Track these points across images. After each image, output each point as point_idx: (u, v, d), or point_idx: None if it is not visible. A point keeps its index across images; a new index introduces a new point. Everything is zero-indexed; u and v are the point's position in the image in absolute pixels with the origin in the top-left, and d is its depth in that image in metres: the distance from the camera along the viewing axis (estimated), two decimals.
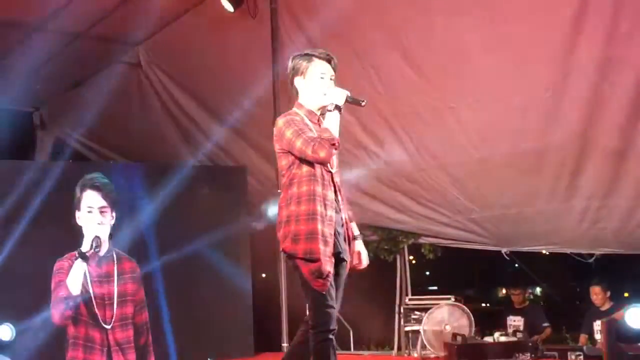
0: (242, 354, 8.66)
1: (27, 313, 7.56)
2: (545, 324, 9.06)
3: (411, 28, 7.83)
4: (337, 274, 4.41)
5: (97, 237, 7.34)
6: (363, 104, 4.48)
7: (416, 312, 8.68)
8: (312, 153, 4.21)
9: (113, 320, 6.64)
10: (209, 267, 8.78)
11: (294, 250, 4.27)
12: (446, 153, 8.42)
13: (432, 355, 8.04)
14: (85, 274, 6.78)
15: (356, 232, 4.64)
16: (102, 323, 6.16)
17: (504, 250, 9.46)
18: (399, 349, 9.49)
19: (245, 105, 9.66)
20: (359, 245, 4.62)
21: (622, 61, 6.74)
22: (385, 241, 10.04)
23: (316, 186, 4.29)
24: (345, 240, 4.50)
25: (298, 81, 4.55)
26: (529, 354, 7.27)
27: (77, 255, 7.34)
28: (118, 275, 7.10)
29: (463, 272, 16.78)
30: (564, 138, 7.52)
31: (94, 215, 7.91)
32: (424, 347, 8.18)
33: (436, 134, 8.34)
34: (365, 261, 4.64)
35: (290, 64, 4.60)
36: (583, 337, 8.80)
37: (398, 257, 10.09)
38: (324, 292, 4.22)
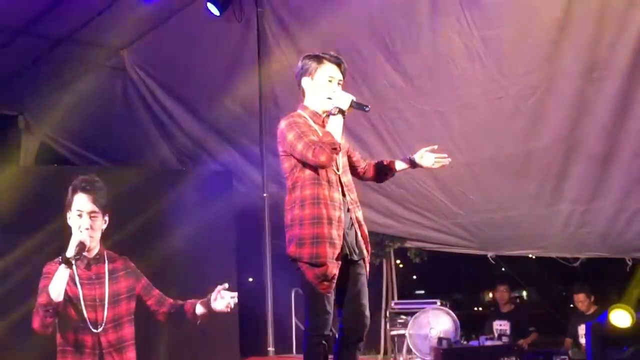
0: (228, 358, 8.61)
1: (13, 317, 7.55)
2: (531, 329, 9.08)
3: (397, 32, 7.83)
4: (347, 276, 4.35)
5: (81, 243, 7.30)
6: (367, 109, 4.49)
7: (402, 316, 8.67)
8: (312, 157, 4.18)
9: (104, 322, 6.58)
10: (194, 271, 8.73)
11: (299, 254, 4.25)
12: None
13: None
14: (74, 278, 6.69)
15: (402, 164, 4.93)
16: (90, 327, 6.05)
17: (489, 254, 9.48)
18: (385, 353, 9.49)
19: (230, 108, 9.65)
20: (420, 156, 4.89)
21: (607, 65, 6.76)
22: (371, 245, 10.01)
23: (320, 189, 4.26)
24: (357, 239, 4.45)
25: (305, 82, 4.50)
26: (514, 358, 7.27)
27: (60, 260, 7.29)
28: (110, 275, 7.03)
29: (450, 276, 16.80)
30: (550, 142, 7.55)
31: (82, 220, 7.93)
32: (409, 351, 8.17)
33: (422, 138, 8.28)
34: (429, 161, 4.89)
35: (299, 64, 4.54)
36: (568, 341, 8.82)
37: (384, 261, 10.09)
38: (326, 297, 4.21)
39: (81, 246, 7.59)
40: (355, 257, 4.40)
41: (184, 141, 10.56)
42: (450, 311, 8.12)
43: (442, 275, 16.27)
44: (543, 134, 7.56)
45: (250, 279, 12.03)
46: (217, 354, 8.58)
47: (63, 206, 7.82)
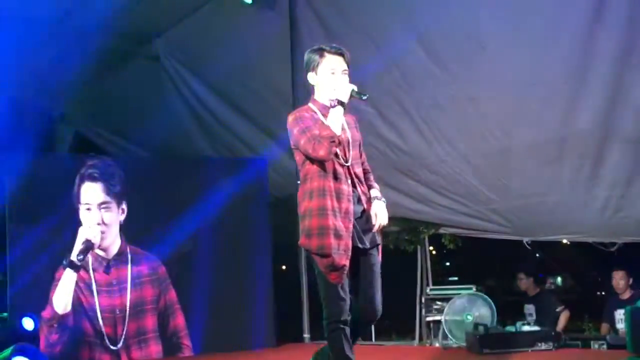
0: (264, 345, 8.68)
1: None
2: (559, 308, 8.96)
3: (430, 18, 7.80)
4: (358, 266, 4.44)
5: (87, 241, 6.51)
6: (364, 97, 4.50)
7: (437, 302, 8.68)
8: (312, 151, 4.28)
9: (124, 337, 5.92)
10: (230, 260, 8.80)
11: (308, 245, 4.37)
12: (467, 143, 8.39)
13: (454, 345, 8.03)
14: (90, 284, 6.14)
15: (374, 194, 4.65)
16: (108, 343, 5.60)
17: (525, 240, 9.43)
18: (421, 339, 9.49)
19: (265, 97, 9.68)
20: (375, 206, 4.57)
21: None
22: (405, 232, 10.04)
23: (327, 181, 4.35)
24: (369, 231, 4.51)
25: (311, 77, 4.60)
26: (551, 343, 7.25)
27: (64, 264, 6.51)
28: (133, 280, 6.36)
29: (483, 262, 16.73)
30: (585, 127, 7.48)
31: (92, 214, 7.03)
32: (445, 337, 8.18)
33: (457, 124, 8.32)
34: (379, 221, 4.57)
35: (305, 59, 4.64)
36: (605, 327, 8.75)
37: (419, 247, 10.08)
38: (339, 285, 4.31)
39: (88, 245, 6.77)
40: (367, 246, 4.47)
41: (218, 130, 10.60)
42: (487, 296, 8.11)
43: (475, 261, 16.21)
44: (579, 120, 7.49)
45: (284, 267, 12.09)
46: (254, 341, 8.66)
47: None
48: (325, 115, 4.46)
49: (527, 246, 9.51)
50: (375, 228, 4.52)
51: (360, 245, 4.42)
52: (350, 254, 4.33)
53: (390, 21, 8.05)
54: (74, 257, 6.84)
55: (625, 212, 8.07)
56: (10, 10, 8.77)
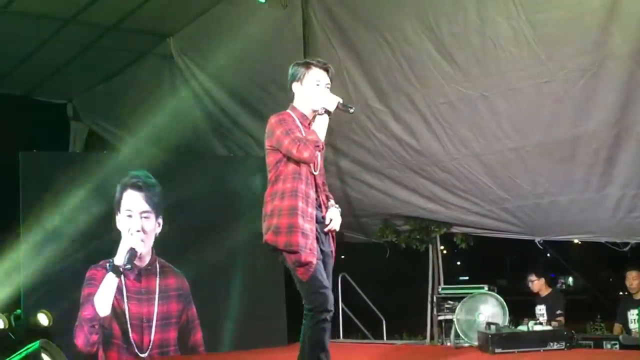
0: (276, 344, 8.69)
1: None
2: (559, 312, 8.93)
3: (443, 16, 7.80)
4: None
5: (131, 249, 6.76)
6: (351, 111, 4.76)
7: (449, 302, 8.65)
8: (296, 152, 4.49)
9: (151, 347, 6.13)
10: (241, 258, 8.81)
11: (276, 242, 4.55)
12: (479, 142, 8.37)
13: (466, 345, 8.01)
14: (121, 289, 6.30)
15: (331, 202, 4.84)
16: (136, 351, 5.74)
17: (537, 239, 9.40)
18: (432, 338, 9.48)
19: (276, 94, 9.68)
20: (331, 212, 4.77)
21: None
22: (417, 231, 10.03)
23: (300, 184, 4.56)
24: (327, 235, 4.75)
25: (296, 86, 4.81)
26: (563, 343, 7.22)
27: (108, 268, 6.74)
28: (160, 293, 6.62)
29: (495, 262, 16.72)
30: (598, 126, 7.46)
31: (133, 221, 7.28)
32: (457, 336, 8.15)
33: (469, 123, 8.30)
34: (333, 225, 4.75)
35: (290, 71, 4.86)
36: (618, 327, 8.72)
37: (430, 246, 10.07)
38: (310, 278, 4.50)
39: (132, 253, 7.05)
40: (326, 249, 4.71)
41: (231, 128, 10.61)
42: (499, 296, 8.09)
43: (486, 261, 16.21)
44: (591, 118, 7.47)
45: None
46: (265, 339, 8.67)
47: (112, 204, 7.50)
48: (302, 124, 4.70)
49: (539, 246, 9.48)
50: (327, 229, 4.72)
51: (321, 248, 4.65)
52: (316, 253, 4.54)
53: (402, 19, 8.06)
54: (118, 262, 7.05)
55: (639, 212, 8.03)
56: (25, 6, 8.80)
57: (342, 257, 13.81)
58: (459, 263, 18.30)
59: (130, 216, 7.43)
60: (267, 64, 9.55)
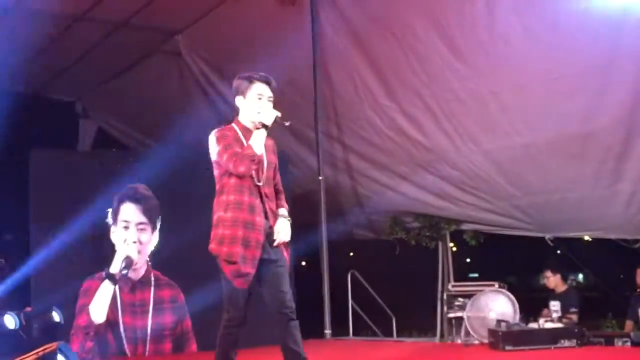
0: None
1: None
2: (573, 309, 8.88)
3: (452, 12, 7.77)
4: (265, 274, 4.74)
5: (127, 257, 6.88)
6: (287, 124, 4.86)
7: (459, 299, 8.60)
8: (233, 167, 4.63)
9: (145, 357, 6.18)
10: None
11: (218, 252, 4.68)
12: (489, 139, 8.35)
13: (476, 342, 7.98)
14: (116, 299, 6.39)
15: (281, 213, 4.92)
16: None
17: (547, 236, 9.37)
18: (442, 335, 9.45)
19: (284, 91, 9.65)
20: (280, 224, 4.85)
21: None
22: (427, 228, 10.02)
23: (242, 196, 4.68)
24: (272, 243, 4.80)
25: (238, 100, 4.90)
26: (574, 340, 7.18)
27: (104, 276, 6.85)
28: (154, 305, 6.74)
29: (504, 259, 16.66)
30: (610, 122, 7.42)
31: (129, 232, 7.43)
32: (467, 333, 8.12)
33: (478, 119, 8.27)
34: (281, 237, 4.84)
35: (234, 85, 4.95)
36: (629, 324, 8.68)
37: (440, 244, 10.04)
38: (241, 292, 4.69)
39: (128, 261, 7.18)
40: (272, 257, 4.77)
41: None
42: (509, 293, 8.05)
43: (496, 258, 16.15)
44: (602, 115, 7.43)
45: (303, 263, 12.08)
46: (274, 337, 8.64)
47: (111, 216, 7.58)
48: (245, 137, 4.79)
49: (549, 243, 9.44)
50: (276, 243, 4.80)
51: (266, 257, 4.72)
52: (256, 263, 4.65)
53: (411, 14, 8.02)
54: (113, 270, 7.17)
55: None
56: (33, 4, 8.80)
57: (351, 254, 13.85)
58: (468, 260, 18.21)
59: (127, 227, 7.57)
60: (275, 62, 9.52)
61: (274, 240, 4.77)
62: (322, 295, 9.22)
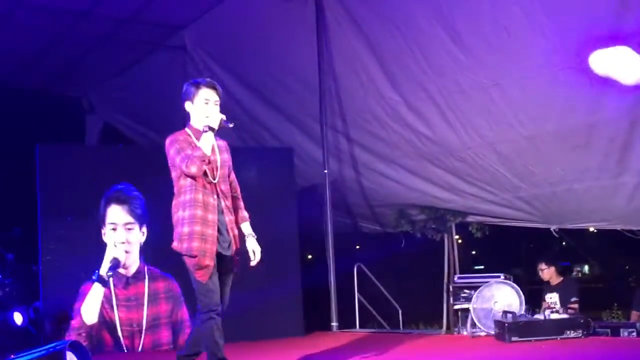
0: (293, 333, 8.71)
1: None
2: (573, 299, 8.88)
3: (455, 5, 7.76)
4: (219, 267, 5.06)
5: (115, 259, 7.19)
6: (231, 125, 5.11)
7: (465, 291, 8.63)
8: (185, 168, 4.90)
9: (141, 349, 6.38)
10: None
11: (180, 248, 4.98)
12: (493, 131, 8.36)
13: (482, 334, 8.01)
14: (110, 299, 6.60)
15: (248, 231, 5.32)
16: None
17: (552, 227, 9.38)
18: (448, 327, 9.48)
19: (289, 85, 9.70)
20: (251, 244, 5.28)
21: None
22: (432, 220, 10.03)
23: (197, 194, 4.97)
24: (229, 240, 5.12)
25: (188, 105, 5.14)
26: (580, 331, 7.21)
27: (93, 278, 7.14)
28: (150, 297, 7.01)
29: (510, 250, 16.68)
30: (614, 113, 7.42)
31: (117, 234, 7.74)
32: (473, 325, 8.15)
33: (483, 111, 8.28)
34: (257, 258, 5.27)
35: (183, 90, 5.18)
36: (635, 314, 8.70)
37: (446, 236, 10.06)
38: (206, 281, 4.94)
39: (115, 262, 7.49)
40: (228, 254, 5.12)
41: (244, 119, 10.63)
42: (515, 284, 8.07)
43: (501, 250, 16.15)
44: (607, 106, 7.43)
45: (310, 256, 12.11)
46: (282, 330, 8.70)
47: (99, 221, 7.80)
48: (198, 139, 5.03)
49: (555, 234, 9.46)
50: (254, 263, 5.22)
51: (223, 252, 5.06)
52: (214, 256, 4.97)
53: (414, 6, 8.01)
54: (103, 272, 7.38)
55: None
56: (38, 0, 8.85)
57: (357, 247, 13.88)
58: (474, 252, 18.22)
59: (114, 229, 7.82)
60: (280, 55, 9.56)
61: (234, 238, 5.09)
62: (329, 288, 9.26)
